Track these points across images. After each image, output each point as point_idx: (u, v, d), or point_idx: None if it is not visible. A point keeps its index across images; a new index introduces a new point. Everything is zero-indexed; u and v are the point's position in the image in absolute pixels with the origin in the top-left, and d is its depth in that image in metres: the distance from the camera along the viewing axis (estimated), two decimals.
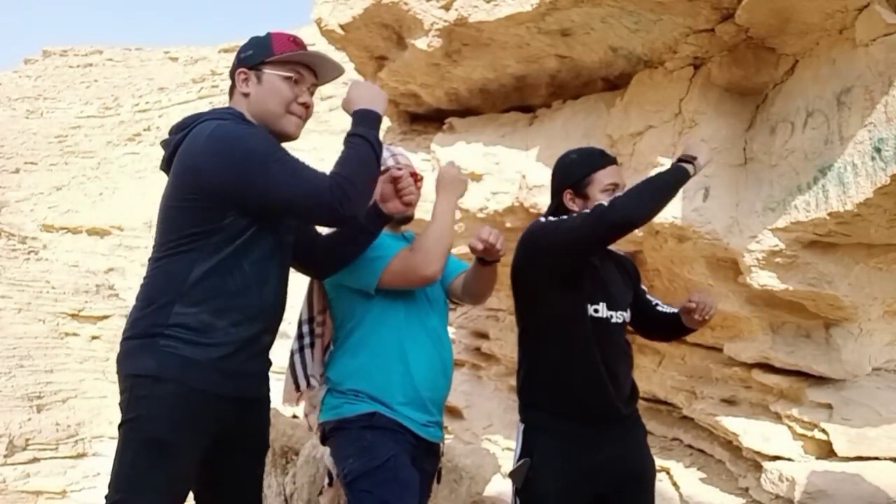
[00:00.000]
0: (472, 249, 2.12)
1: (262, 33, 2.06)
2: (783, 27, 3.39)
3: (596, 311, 2.18)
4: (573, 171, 2.28)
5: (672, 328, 2.41)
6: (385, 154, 2.29)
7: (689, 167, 2.17)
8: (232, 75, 2.01)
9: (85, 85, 42.91)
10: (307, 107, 1.99)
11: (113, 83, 42.41)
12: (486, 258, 2.19)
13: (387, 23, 4.90)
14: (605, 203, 2.08)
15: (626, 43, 4.00)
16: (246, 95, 1.96)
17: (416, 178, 2.32)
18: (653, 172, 3.96)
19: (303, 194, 1.77)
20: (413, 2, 4.50)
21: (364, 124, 1.88)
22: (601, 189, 2.21)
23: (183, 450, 1.80)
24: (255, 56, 1.96)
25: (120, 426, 1.84)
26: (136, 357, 1.84)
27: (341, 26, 5.10)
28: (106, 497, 1.80)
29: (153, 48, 46.30)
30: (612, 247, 2.39)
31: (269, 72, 1.94)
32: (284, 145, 1.94)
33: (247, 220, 1.83)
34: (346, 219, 1.82)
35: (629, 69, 4.28)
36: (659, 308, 2.44)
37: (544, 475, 2.15)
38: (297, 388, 2.30)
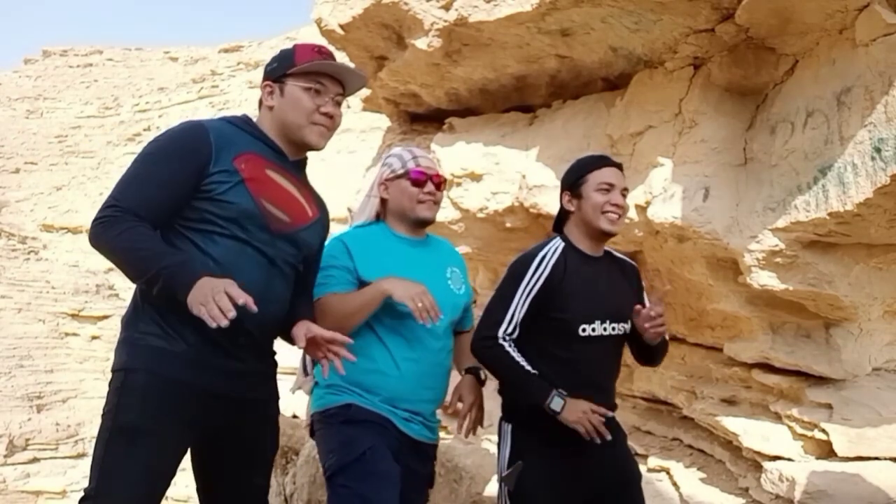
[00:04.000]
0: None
1: (298, 38, 2.07)
2: (783, 27, 3.39)
3: (584, 329, 2.19)
4: (571, 174, 2.34)
5: (637, 349, 2.40)
6: (406, 156, 2.30)
7: (549, 400, 2.07)
8: (261, 89, 2.04)
9: (85, 85, 42.92)
10: (331, 117, 1.99)
11: (113, 83, 42.42)
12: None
13: (387, 23, 4.90)
14: (490, 336, 2.17)
15: (626, 43, 4.00)
16: (270, 108, 1.99)
17: (438, 180, 2.31)
18: (652, 173, 4.00)
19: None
20: (413, 2, 4.50)
21: (171, 271, 1.72)
22: (594, 188, 2.25)
23: (155, 439, 1.78)
24: (279, 68, 1.98)
25: (101, 418, 1.86)
26: (116, 354, 1.90)
27: (341, 26, 5.10)
28: (84, 489, 1.80)
29: (153, 48, 46.36)
30: (616, 251, 2.42)
31: (291, 83, 1.96)
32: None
33: (187, 220, 1.86)
34: (90, 238, 1.83)
35: (629, 69, 4.28)
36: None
37: (534, 477, 2.16)
38: (305, 372, 2.32)
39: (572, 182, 2.31)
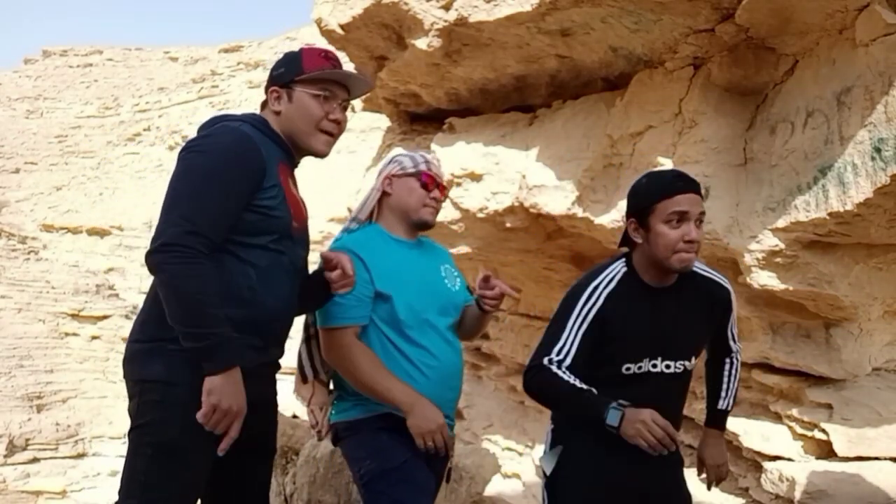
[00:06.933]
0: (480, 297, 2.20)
1: (298, 39, 2.05)
2: (783, 27, 3.39)
3: (629, 368, 2.02)
4: (638, 200, 2.03)
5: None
6: (418, 158, 2.30)
7: (605, 414, 1.88)
8: (266, 92, 2.01)
9: (85, 85, 42.95)
10: (338, 123, 1.99)
11: (113, 83, 42.45)
12: (486, 308, 2.25)
13: (387, 23, 4.90)
14: (535, 365, 2.01)
15: (626, 43, 4.00)
16: (277, 113, 1.97)
17: (442, 189, 2.31)
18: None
19: (168, 217, 1.74)
20: (413, 2, 4.50)
21: (210, 350, 1.71)
22: (662, 220, 1.94)
23: (194, 455, 1.79)
24: (287, 74, 1.97)
25: (129, 432, 1.83)
26: (144, 362, 1.83)
27: (341, 26, 5.10)
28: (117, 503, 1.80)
29: (153, 48, 46.38)
30: (705, 270, 2.15)
31: (299, 90, 1.94)
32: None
33: (235, 233, 1.82)
34: (154, 258, 1.73)
35: (629, 69, 4.28)
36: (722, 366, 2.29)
37: (576, 463, 2.07)
38: (304, 379, 2.31)
39: (639, 210, 2.00)
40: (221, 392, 1.71)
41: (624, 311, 2.00)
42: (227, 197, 1.78)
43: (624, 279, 2.03)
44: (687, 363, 2.07)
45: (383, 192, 2.29)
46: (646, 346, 2.02)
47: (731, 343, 2.29)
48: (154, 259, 1.72)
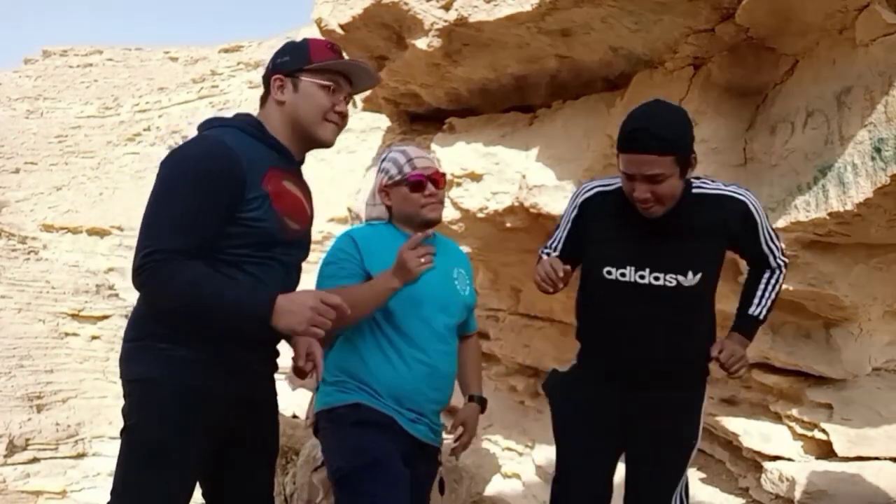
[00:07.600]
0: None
1: (298, 39, 2.01)
2: (783, 27, 3.40)
3: (610, 272, 2.05)
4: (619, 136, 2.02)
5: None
6: (401, 159, 2.24)
7: None
8: (266, 81, 1.96)
9: (85, 85, 42.94)
10: (343, 116, 1.95)
11: (113, 83, 42.45)
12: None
13: (387, 23, 4.90)
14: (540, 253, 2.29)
15: (626, 43, 4.00)
16: (281, 103, 1.91)
17: (438, 179, 2.25)
18: None
19: (137, 245, 1.75)
20: (413, 2, 4.50)
21: (245, 310, 1.69)
22: (621, 170, 1.99)
23: (183, 453, 1.78)
24: (292, 62, 1.92)
25: (121, 432, 1.83)
26: (133, 361, 1.83)
27: (341, 26, 5.10)
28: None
29: (153, 48, 46.35)
30: (719, 189, 2.10)
31: (306, 80, 1.90)
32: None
33: (218, 244, 1.78)
34: (137, 288, 1.75)
35: (629, 69, 4.28)
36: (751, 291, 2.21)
37: (572, 382, 2.27)
38: None
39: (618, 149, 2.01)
40: (292, 315, 1.66)
41: (601, 218, 2.12)
42: (196, 209, 1.72)
43: (615, 192, 2.09)
44: (681, 277, 2.03)
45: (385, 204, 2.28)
46: (626, 253, 2.06)
47: (771, 258, 2.18)
48: (137, 286, 1.73)
